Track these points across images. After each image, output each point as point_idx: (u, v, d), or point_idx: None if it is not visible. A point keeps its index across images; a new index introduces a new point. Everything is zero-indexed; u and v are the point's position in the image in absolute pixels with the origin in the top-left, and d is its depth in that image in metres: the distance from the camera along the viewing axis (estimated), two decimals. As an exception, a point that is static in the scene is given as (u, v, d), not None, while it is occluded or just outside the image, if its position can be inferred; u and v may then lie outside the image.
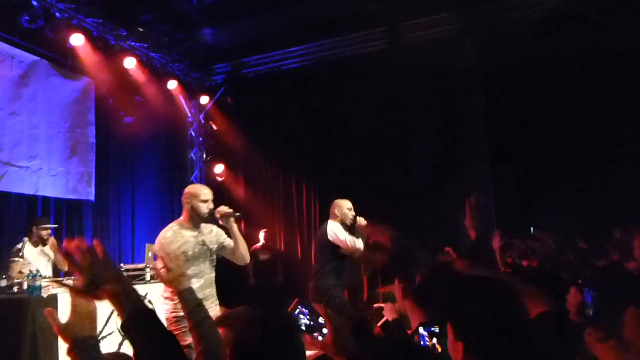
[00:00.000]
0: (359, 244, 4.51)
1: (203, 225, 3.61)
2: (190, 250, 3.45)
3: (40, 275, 4.29)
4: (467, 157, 7.04)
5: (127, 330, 1.31)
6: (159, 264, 1.86)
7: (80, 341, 1.30)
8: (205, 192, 3.58)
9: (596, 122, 6.13)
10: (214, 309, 3.48)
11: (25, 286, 4.24)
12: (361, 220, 4.62)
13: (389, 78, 6.97)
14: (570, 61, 6.02)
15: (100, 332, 4.52)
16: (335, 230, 4.60)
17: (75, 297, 1.34)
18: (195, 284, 3.33)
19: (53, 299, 4.18)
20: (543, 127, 6.48)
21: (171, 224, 3.60)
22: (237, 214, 3.58)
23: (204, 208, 3.51)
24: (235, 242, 3.56)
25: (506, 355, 1.22)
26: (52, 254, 5.51)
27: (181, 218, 3.62)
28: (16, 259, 5.06)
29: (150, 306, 1.45)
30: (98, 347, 1.36)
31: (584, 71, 6.04)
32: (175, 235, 3.46)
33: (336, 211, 4.73)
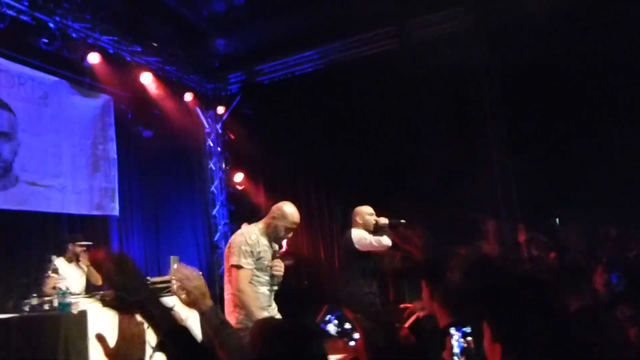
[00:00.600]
0: (385, 240, 4.51)
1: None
2: (267, 259, 3.52)
3: (70, 292, 4.36)
4: (484, 151, 6.96)
5: (165, 349, 1.30)
6: (176, 284, 1.83)
7: None
8: (296, 222, 3.61)
9: (616, 113, 6.01)
10: (275, 309, 3.61)
11: (55, 303, 4.31)
12: (383, 220, 4.63)
13: (403, 77, 6.92)
14: (587, 53, 5.91)
15: (151, 356, 4.56)
16: (359, 237, 4.60)
17: (122, 320, 1.34)
18: (266, 292, 3.51)
19: (83, 315, 4.24)
20: (562, 119, 6.37)
21: (252, 227, 3.60)
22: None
23: (283, 233, 3.58)
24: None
25: (547, 356, 1.19)
26: (84, 271, 5.61)
27: (261, 225, 3.60)
28: (50, 274, 5.19)
29: (182, 321, 1.42)
30: None
31: (602, 63, 5.92)
32: (257, 240, 3.49)
33: (358, 219, 4.72)
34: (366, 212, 4.72)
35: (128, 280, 1.31)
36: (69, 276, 5.36)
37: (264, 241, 3.51)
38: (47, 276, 5.09)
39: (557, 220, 6.72)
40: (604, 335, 1.33)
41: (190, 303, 1.76)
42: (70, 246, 5.51)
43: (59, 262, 5.36)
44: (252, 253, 3.42)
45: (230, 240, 3.57)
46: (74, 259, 5.52)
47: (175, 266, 5.69)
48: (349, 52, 7.70)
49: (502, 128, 6.95)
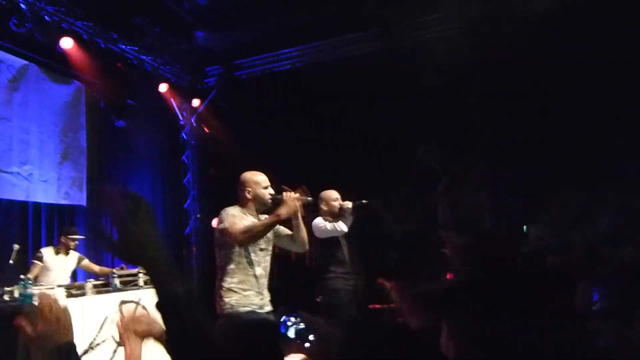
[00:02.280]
0: (340, 226, 4.53)
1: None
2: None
3: (31, 283, 4.24)
4: (472, 155, 7.03)
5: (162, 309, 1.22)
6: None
7: (55, 351, 1.25)
8: (265, 179, 3.50)
9: (601, 119, 6.11)
10: (267, 298, 3.40)
11: (16, 294, 4.18)
12: (347, 204, 4.63)
13: (383, 79, 6.94)
14: (571, 56, 6.00)
15: (94, 339, 4.47)
16: (316, 226, 4.60)
17: (43, 306, 1.29)
18: (257, 271, 3.30)
19: (45, 306, 4.12)
20: (541, 123, 6.46)
21: (231, 208, 3.37)
22: (310, 198, 3.59)
23: (267, 194, 3.41)
24: (298, 228, 3.45)
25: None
26: (72, 264, 5.65)
27: (238, 206, 3.40)
28: (36, 262, 5.28)
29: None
30: (75, 353, 1.31)
31: (587, 68, 6.01)
32: (241, 215, 3.32)
33: (323, 205, 4.72)
34: (330, 197, 4.72)
35: (143, 230, 1.16)
36: (53, 268, 5.36)
37: (250, 218, 3.35)
38: (33, 263, 5.14)
39: (525, 227, 6.84)
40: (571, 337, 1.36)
41: (144, 335, 1.70)
42: (62, 238, 5.52)
43: (47, 251, 5.42)
44: (241, 219, 3.27)
45: (219, 216, 3.36)
46: (63, 250, 5.51)
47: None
48: (330, 52, 7.69)
49: (490, 132, 7.01)
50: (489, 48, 6.53)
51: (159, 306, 1.17)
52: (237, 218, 3.26)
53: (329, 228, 4.53)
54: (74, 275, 5.98)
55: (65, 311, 1.30)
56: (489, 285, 1.63)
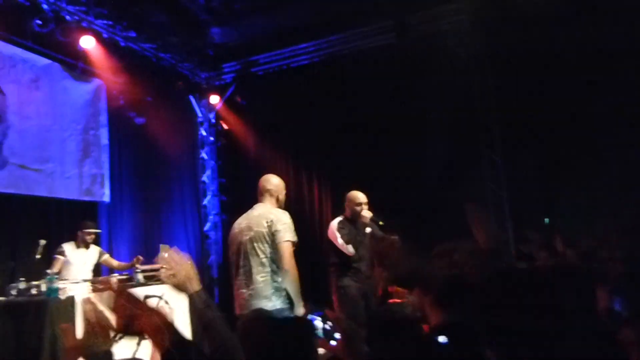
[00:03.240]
0: (349, 250, 4.57)
1: None
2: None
3: (58, 278, 4.32)
4: (479, 148, 6.99)
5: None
6: (164, 269, 1.81)
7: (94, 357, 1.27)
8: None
9: (612, 109, 6.02)
10: None
11: (43, 288, 4.27)
12: (365, 217, 4.63)
13: (399, 71, 6.92)
14: (584, 48, 5.91)
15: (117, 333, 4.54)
16: (332, 231, 4.68)
17: (87, 311, 1.32)
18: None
19: (70, 301, 4.20)
20: (557, 115, 6.38)
21: (278, 210, 3.57)
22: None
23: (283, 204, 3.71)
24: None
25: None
26: (92, 258, 5.73)
27: (273, 207, 3.59)
28: (58, 256, 5.36)
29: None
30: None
31: (599, 58, 5.93)
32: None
33: (346, 205, 4.78)
34: (354, 201, 4.73)
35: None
36: (74, 262, 5.45)
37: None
38: (55, 257, 5.20)
39: (547, 219, 6.77)
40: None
41: (178, 286, 1.75)
42: (79, 233, 5.58)
43: (68, 246, 5.48)
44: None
45: (272, 218, 3.40)
46: (83, 246, 5.59)
47: (165, 254, 5.66)
48: (346, 45, 7.67)
49: (494, 125, 6.97)
50: (501, 39, 6.46)
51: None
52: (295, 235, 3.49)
53: (339, 244, 4.61)
54: (98, 270, 6.08)
55: (104, 315, 1.32)
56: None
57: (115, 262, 5.97)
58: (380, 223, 4.68)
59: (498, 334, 1.30)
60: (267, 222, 3.37)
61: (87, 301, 1.36)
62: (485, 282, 1.94)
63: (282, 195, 3.62)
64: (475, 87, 6.99)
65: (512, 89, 6.59)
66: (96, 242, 5.87)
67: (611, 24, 5.69)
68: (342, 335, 1.67)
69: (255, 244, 3.36)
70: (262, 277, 3.32)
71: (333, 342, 1.76)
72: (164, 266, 1.74)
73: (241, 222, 3.54)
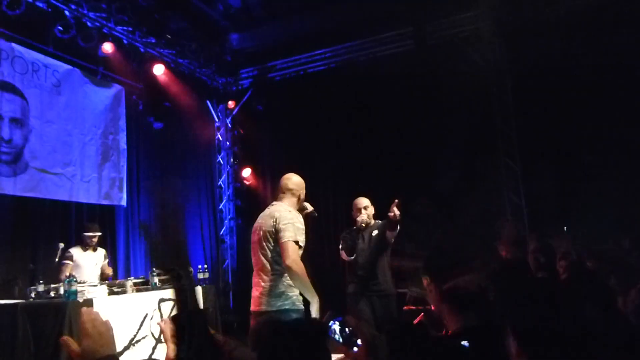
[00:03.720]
0: (343, 255, 4.65)
1: None
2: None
3: (76, 281, 4.37)
4: (498, 157, 6.93)
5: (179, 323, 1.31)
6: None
7: None
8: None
9: (629, 119, 5.94)
10: None
11: (62, 291, 4.32)
12: (361, 221, 4.64)
13: (416, 79, 6.89)
14: (602, 59, 5.85)
15: (134, 336, 4.58)
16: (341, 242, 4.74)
17: (88, 319, 1.32)
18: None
19: (89, 303, 4.25)
20: (574, 125, 6.31)
21: (290, 209, 3.41)
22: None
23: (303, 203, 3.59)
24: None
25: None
26: (99, 260, 5.74)
27: (290, 207, 3.43)
28: (66, 262, 5.35)
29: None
30: None
31: (616, 69, 5.86)
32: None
33: (353, 212, 4.78)
34: (356, 206, 4.76)
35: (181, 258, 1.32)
36: (83, 264, 5.48)
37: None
38: (64, 264, 5.20)
39: (565, 228, 6.68)
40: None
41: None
42: (83, 235, 5.61)
43: (75, 250, 5.52)
44: (303, 234, 3.33)
45: (277, 216, 3.31)
46: (90, 248, 5.62)
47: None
48: (363, 52, 7.68)
49: (513, 133, 6.92)
50: (520, 47, 6.42)
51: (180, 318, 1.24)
52: (301, 234, 3.36)
53: (341, 251, 4.69)
54: (115, 272, 6.14)
55: (107, 325, 1.33)
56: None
57: (108, 270, 5.87)
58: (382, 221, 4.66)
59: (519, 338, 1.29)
60: (273, 221, 3.31)
61: (87, 311, 1.36)
62: (505, 289, 1.91)
63: (303, 195, 3.55)
64: (494, 95, 6.94)
65: (531, 98, 6.54)
66: (101, 244, 5.89)
67: (631, 35, 5.63)
68: (363, 342, 1.65)
69: (264, 243, 3.33)
70: (272, 275, 3.28)
71: (354, 349, 1.74)
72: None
73: (257, 221, 3.50)
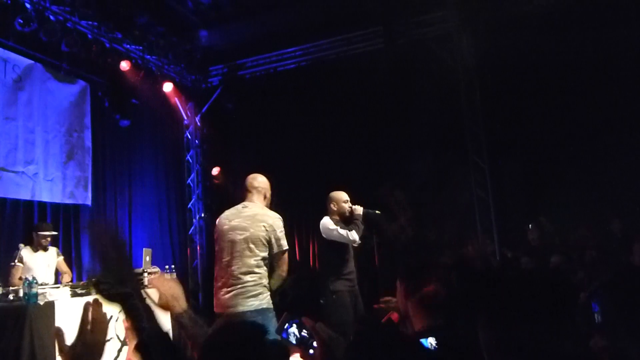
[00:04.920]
0: (353, 235, 4.39)
1: None
2: None
3: (37, 283, 4.23)
4: (465, 154, 7.03)
5: (143, 349, 1.27)
6: (152, 292, 1.77)
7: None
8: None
9: (595, 117, 6.11)
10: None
11: (21, 293, 4.18)
12: (358, 210, 4.55)
13: (386, 77, 6.93)
14: (569, 56, 6.00)
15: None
16: (327, 226, 4.48)
17: (84, 329, 1.29)
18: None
19: (50, 306, 4.13)
20: (542, 122, 6.46)
21: (268, 210, 3.57)
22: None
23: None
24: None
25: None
26: (52, 260, 5.50)
27: (261, 205, 3.59)
28: (16, 264, 5.06)
29: (164, 328, 1.40)
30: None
31: (583, 66, 6.02)
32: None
33: (332, 205, 4.62)
34: (341, 198, 4.61)
35: (121, 266, 1.28)
36: (35, 266, 5.23)
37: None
38: (13, 265, 4.97)
39: (530, 225, 6.84)
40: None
41: (164, 306, 1.72)
42: (35, 235, 5.36)
43: (25, 251, 5.24)
44: None
45: (271, 223, 3.42)
46: (41, 248, 5.38)
47: (147, 258, 5.60)
48: (333, 50, 7.69)
49: (480, 131, 7.03)
50: (487, 46, 6.53)
51: (140, 345, 1.22)
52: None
53: (341, 233, 4.40)
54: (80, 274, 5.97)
55: (102, 335, 1.30)
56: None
57: (65, 268, 5.69)
58: (377, 212, 4.62)
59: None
60: (265, 226, 3.38)
61: (93, 304, 1.33)
62: (469, 287, 1.93)
63: (269, 194, 3.63)
64: (462, 94, 7.04)
65: (499, 96, 6.66)
66: (66, 244, 5.69)
67: (599, 32, 5.78)
68: (319, 344, 1.63)
69: (250, 245, 3.34)
70: (252, 277, 3.31)
71: (310, 351, 1.72)
72: (151, 286, 1.72)
73: (231, 219, 3.47)
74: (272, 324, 3.04)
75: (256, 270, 3.33)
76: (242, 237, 3.35)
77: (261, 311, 3.25)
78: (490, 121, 6.91)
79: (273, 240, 3.37)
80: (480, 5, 6.58)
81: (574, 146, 6.23)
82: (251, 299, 3.28)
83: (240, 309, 3.24)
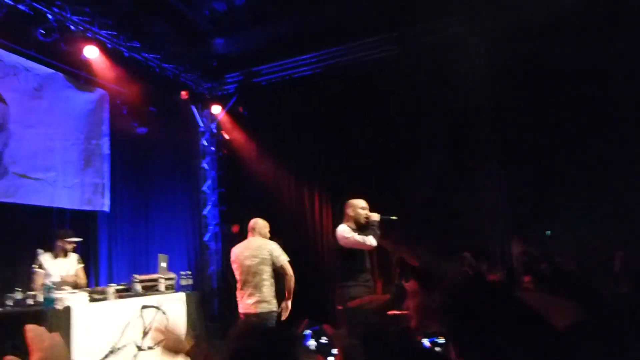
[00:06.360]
0: (370, 240, 4.40)
1: None
2: None
3: (55, 288, 4.28)
4: (478, 160, 6.97)
5: None
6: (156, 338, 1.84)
7: None
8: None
9: (609, 121, 6.03)
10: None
11: (40, 298, 4.24)
12: (374, 217, 4.55)
13: (399, 83, 6.92)
14: (582, 63, 5.94)
15: (116, 344, 4.50)
16: (343, 234, 4.48)
17: (33, 337, 1.27)
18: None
19: (67, 311, 4.18)
20: (554, 128, 6.38)
21: (266, 240, 5.13)
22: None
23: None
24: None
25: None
26: (72, 267, 5.54)
27: (262, 237, 5.14)
28: (37, 269, 5.11)
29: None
30: None
31: (594, 71, 5.95)
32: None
33: (349, 211, 4.64)
34: (358, 205, 4.63)
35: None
36: (55, 272, 5.26)
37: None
38: (34, 272, 5.03)
39: (549, 232, 6.74)
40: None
41: (172, 350, 1.75)
42: (59, 242, 5.39)
43: (45, 257, 5.27)
44: None
45: (270, 248, 5.02)
46: (62, 254, 5.41)
47: (163, 264, 5.64)
48: (348, 56, 7.69)
49: (496, 137, 6.96)
50: (500, 52, 6.49)
51: None
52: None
53: (358, 239, 4.40)
54: (97, 279, 6.02)
55: (55, 339, 1.29)
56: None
57: (82, 275, 5.65)
58: (393, 217, 4.60)
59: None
60: (267, 252, 4.99)
61: (32, 329, 1.31)
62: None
63: (265, 230, 5.19)
64: (475, 98, 6.99)
65: (512, 101, 6.60)
66: (84, 250, 5.71)
67: (609, 41, 5.73)
68: (339, 351, 1.63)
69: (261, 266, 4.93)
70: (266, 287, 4.91)
71: (330, 358, 1.73)
72: (155, 335, 1.76)
73: (243, 251, 5.06)
74: (274, 322, 4.78)
75: (268, 282, 4.93)
76: (255, 262, 4.94)
77: (271, 313, 4.86)
78: (504, 126, 6.84)
79: (274, 259, 4.97)
80: (493, 12, 6.55)
81: (588, 153, 6.14)
82: (266, 304, 4.89)
83: (259, 311, 4.82)
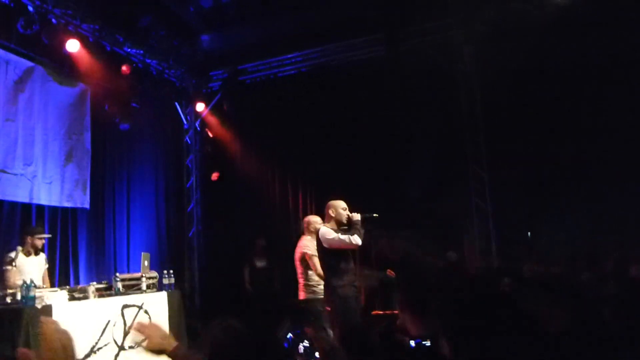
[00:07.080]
0: (355, 239, 4.37)
1: None
2: None
3: (35, 286, 4.21)
4: (465, 163, 7.04)
5: None
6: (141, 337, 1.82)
7: None
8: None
9: (596, 127, 6.12)
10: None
11: (19, 296, 4.16)
12: (356, 217, 4.55)
13: (386, 84, 6.95)
14: (569, 66, 6.03)
15: (96, 343, 4.45)
16: (325, 235, 4.46)
17: (47, 330, 1.27)
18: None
19: (47, 309, 4.11)
20: (542, 132, 6.46)
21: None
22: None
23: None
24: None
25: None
26: (44, 264, 5.42)
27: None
28: (9, 267, 4.98)
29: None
30: None
31: (583, 76, 6.05)
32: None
33: (330, 212, 4.62)
34: (340, 205, 4.60)
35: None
36: (28, 270, 5.11)
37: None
38: (7, 269, 4.89)
39: (529, 233, 6.84)
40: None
41: (154, 348, 1.74)
42: (29, 239, 5.23)
43: (17, 255, 5.07)
44: None
45: (304, 247, 5.05)
46: (33, 251, 5.26)
47: (145, 263, 5.58)
48: (334, 56, 7.70)
49: (480, 140, 7.03)
50: (489, 55, 6.56)
51: None
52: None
53: (343, 239, 4.37)
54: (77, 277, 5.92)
55: (68, 336, 1.29)
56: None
57: (46, 278, 5.51)
58: (375, 215, 4.60)
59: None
60: (301, 252, 5.15)
61: (49, 321, 1.31)
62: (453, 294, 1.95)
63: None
64: (462, 102, 7.05)
65: (499, 105, 6.67)
66: (63, 248, 5.60)
67: (599, 43, 5.82)
68: (321, 354, 1.64)
69: (298, 262, 5.22)
70: (305, 280, 5.15)
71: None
72: (137, 332, 1.75)
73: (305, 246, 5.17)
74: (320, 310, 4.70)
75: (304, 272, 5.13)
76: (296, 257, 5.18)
77: (315, 299, 4.90)
78: (490, 130, 6.91)
79: (305, 257, 5.07)
80: (482, 15, 6.61)
81: (574, 156, 6.23)
82: (310, 294, 5.01)
83: (309, 297, 4.99)
